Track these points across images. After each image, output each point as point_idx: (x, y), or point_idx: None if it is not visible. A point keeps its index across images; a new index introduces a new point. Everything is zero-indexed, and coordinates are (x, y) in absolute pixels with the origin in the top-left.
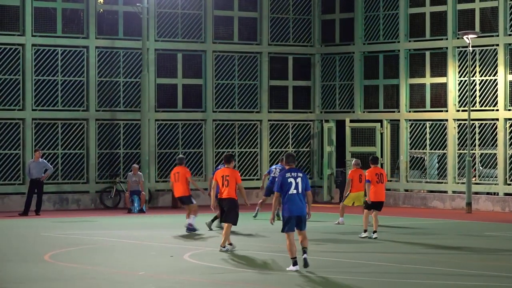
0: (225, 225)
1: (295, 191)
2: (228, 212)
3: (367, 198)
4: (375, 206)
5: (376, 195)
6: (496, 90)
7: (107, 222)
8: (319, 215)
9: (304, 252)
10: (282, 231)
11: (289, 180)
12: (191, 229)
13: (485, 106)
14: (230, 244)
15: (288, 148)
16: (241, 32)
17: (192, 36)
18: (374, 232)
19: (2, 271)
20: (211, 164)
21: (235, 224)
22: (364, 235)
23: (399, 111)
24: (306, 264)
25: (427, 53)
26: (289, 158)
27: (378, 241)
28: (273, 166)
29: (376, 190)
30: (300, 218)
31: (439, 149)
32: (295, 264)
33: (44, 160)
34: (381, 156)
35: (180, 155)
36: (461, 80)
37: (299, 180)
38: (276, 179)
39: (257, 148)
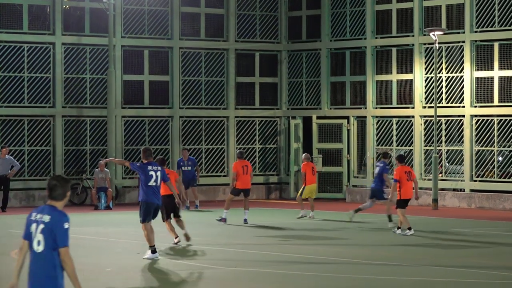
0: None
1: (154, 184)
2: None
3: (396, 197)
4: (404, 204)
5: (405, 193)
6: (463, 86)
7: (73, 219)
8: (287, 211)
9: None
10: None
11: (150, 173)
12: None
13: (452, 103)
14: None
15: (255, 144)
16: (208, 29)
17: (158, 33)
18: (409, 228)
19: None
20: (176, 161)
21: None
22: (410, 232)
23: (365, 108)
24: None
25: (394, 50)
26: (146, 152)
27: (342, 237)
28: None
29: (406, 188)
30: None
31: (405, 146)
32: (154, 252)
33: (11, 157)
34: (348, 153)
35: (241, 150)
36: (428, 77)
37: (158, 173)
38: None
39: (224, 144)
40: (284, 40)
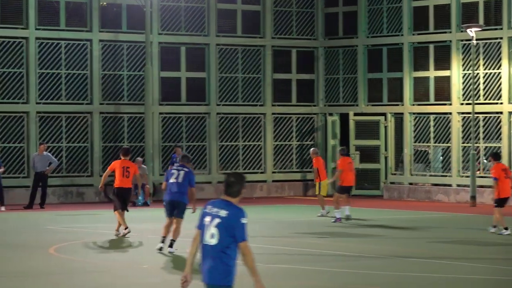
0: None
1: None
2: None
3: (495, 196)
4: (502, 202)
5: (504, 191)
6: (500, 83)
7: (111, 216)
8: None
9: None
10: None
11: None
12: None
13: (489, 100)
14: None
15: (292, 141)
16: (244, 26)
17: (195, 30)
18: (506, 228)
19: (7, 264)
20: (214, 157)
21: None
22: (506, 232)
23: (403, 104)
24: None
25: (431, 46)
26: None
27: (380, 234)
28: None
29: (503, 186)
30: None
31: (443, 143)
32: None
33: (49, 154)
34: (385, 150)
35: (343, 147)
36: (465, 73)
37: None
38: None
39: (261, 141)
40: (321, 36)
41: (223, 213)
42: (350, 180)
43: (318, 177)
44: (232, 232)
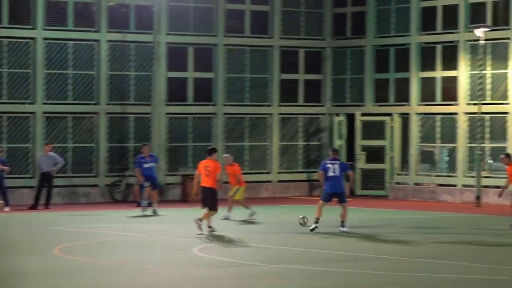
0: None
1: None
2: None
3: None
4: None
5: None
6: (507, 84)
7: (116, 216)
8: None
9: None
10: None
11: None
12: None
13: (496, 100)
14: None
15: (299, 141)
16: (252, 26)
17: (203, 30)
18: None
19: (12, 264)
20: (221, 158)
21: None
22: None
23: (409, 105)
24: None
25: (439, 47)
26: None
27: (385, 234)
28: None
29: None
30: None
31: (449, 143)
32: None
33: (54, 154)
34: (391, 150)
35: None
36: (472, 74)
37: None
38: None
39: (267, 141)
40: (329, 37)
41: None
42: None
43: (239, 183)
44: None
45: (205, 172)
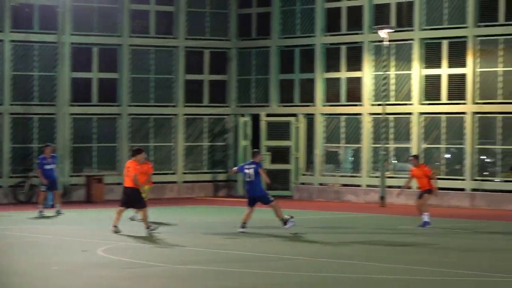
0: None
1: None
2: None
3: None
4: None
5: None
6: (411, 84)
7: (19, 217)
8: (235, 209)
9: None
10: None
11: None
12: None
13: (400, 101)
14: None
15: (204, 142)
16: (157, 26)
17: (108, 30)
18: None
19: None
20: (125, 158)
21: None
22: None
23: (314, 105)
24: None
25: (343, 48)
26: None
27: (290, 235)
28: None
29: None
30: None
31: (353, 143)
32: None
33: None
34: (296, 150)
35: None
36: (376, 74)
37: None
38: None
39: (173, 142)
40: (234, 37)
41: None
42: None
43: (149, 182)
44: None
45: (126, 173)
